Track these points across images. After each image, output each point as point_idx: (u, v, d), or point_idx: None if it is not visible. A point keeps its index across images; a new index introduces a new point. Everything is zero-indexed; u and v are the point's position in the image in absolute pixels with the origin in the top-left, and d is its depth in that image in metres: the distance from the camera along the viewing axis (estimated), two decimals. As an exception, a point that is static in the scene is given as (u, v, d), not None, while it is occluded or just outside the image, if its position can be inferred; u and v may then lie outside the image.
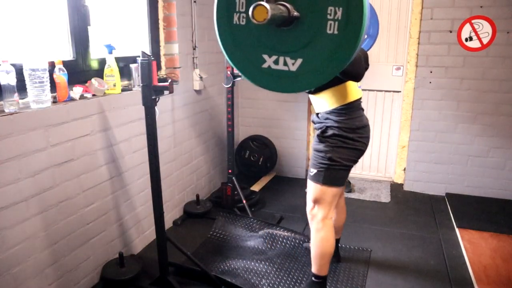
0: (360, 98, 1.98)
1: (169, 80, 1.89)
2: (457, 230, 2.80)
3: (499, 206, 3.16)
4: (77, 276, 2.04)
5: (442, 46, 3.19)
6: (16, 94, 1.64)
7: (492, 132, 3.22)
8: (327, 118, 1.91)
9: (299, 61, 1.05)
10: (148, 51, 2.71)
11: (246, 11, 1.02)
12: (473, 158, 3.31)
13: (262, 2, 0.89)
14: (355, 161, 1.95)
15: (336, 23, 0.98)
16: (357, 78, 1.79)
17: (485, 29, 3.05)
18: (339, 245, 2.54)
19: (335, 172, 1.89)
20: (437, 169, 3.43)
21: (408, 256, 2.50)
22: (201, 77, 3.02)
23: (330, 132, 1.88)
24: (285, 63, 1.07)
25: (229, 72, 2.76)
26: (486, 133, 3.24)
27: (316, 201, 1.93)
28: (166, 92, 1.88)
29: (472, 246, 2.56)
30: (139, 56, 1.82)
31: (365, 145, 1.96)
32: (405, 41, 3.42)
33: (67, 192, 1.93)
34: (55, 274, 1.90)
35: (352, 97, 1.89)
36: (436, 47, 3.21)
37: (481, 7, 3.03)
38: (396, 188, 3.60)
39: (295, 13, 0.99)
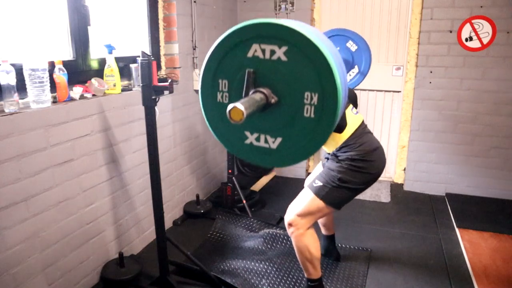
0: (362, 123, 2.00)
1: (169, 80, 1.89)
2: (457, 230, 2.80)
3: (499, 206, 3.16)
4: (77, 276, 2.04)
5: (442, 46, 3.19)
6: (16, 94, 1.64)
7: (492, 132, 3.22)
8: (335, 155, 1.94)
9: (279, 139, 1.10)
10: (148, 51, 2.71)
11: (228, 91, 1.10)
12: (473, 158, 3.31)
13: (237, 104, 0.93)
14: (365, 187, 1.93)
15: (313, 107, 1.02)
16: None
17: (485, 29, 3.05)
18: (338, 244, 2.54)
19: (339, 192, 1.88)
20: (437, 169, 3.43)
21: (408, 256, 2.50)
22: (201, 77, 3.02)
23: (343, 156, 1.90)
24: (266, 141, 1.11)
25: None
26: (486, 133, 3.24)
27: (305, 214, 1.89)
28: (166, 92, 1.88)
29: (472, 246, 2.56)
30: (139, 56, 1.82)
31: (378, 168, 1.94)
32: (405, 41, 3.42)
33: (67, 192, 1.93)
34: (55, 274, 1.90)
35: (350, 131, 1.91)
36: (436, 47, 3.21)
37: (481, 7, 3.03)
38: (396, 188, 3.60)
39: (274, 99, 1.05)
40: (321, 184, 1.89)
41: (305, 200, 1.91)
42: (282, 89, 1.05)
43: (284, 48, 1.02)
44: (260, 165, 1.22)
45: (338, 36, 2.57)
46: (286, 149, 1.10)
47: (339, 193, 1.88)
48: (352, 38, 2.54)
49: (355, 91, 2.35)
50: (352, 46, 2.53)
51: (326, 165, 1.96)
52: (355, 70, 2.56)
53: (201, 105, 1.17)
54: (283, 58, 1.03)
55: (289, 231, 1.94)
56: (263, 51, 1.04)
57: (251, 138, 1.13)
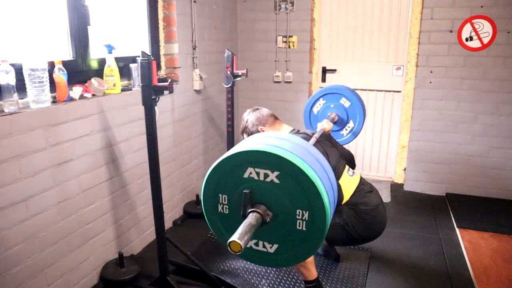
0: (360, 183, 2.09)
1: (169, 80, 1.89)
2: (457, 230, 2.80)
3: (499, 206, 3.16)
4: (77, 276, 2.04)
5: (442, 46, 3.19)
6: (15, 94, 1.64)
7: (492, 132, 3.22)
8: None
9: (276, 245, 1.26)
10: (148, 51, 2.71)
11: (228, 203, 1.26)
12: (473, 158, 3.31)
13: (235, 239, 1.04)
14: (360, 240, 2.06)
15: (304, 222, 1.18)
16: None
17: (485, 29, 3.05)
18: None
19: (338, 229, 1.98)
20: (437, 169, 3.42)
21: (408, 256, 2.49)
22: (201, 77, 3.02)
23: (348, 208, 2.02)
24: (264, 246, 1.27)
25: (229, 72, 2.76)
26: (487, 133, 3.23)
27: None
28: (166, 92, 1.88)
29: (472, 246, 2.56)
30: (139, 56, 1.82)
31: (380, 222, 2.06)
32: (405, 41, 3.42)
33: (67, 192, 1.93)
34: (54, 274, 1.90)
35: (347, 196, 2.01)
36: (436, 47, 3.21)
37: (481, 7, 3.03)
38: (396, 188, 3.60)
39: (269, 217, 1.18)
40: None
41: None
42: (276, 206, 1.20)
43: (276, 173, 1.15)
44: (259, 265, 1.47)
45: (332, 94, 2.72)
46: (282, 253, 1.26)
47: (337, 230, 1.99)
48: (345, 95, 2.69)
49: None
50: (345, 102, 2.69)
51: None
52: (351, 124, 2.73)
53: (204, 214, 1.31)
54: (276, 181, 1.16)
55: None
56: (258, 174, 1.18)
57: (250, 243, 1.29)
